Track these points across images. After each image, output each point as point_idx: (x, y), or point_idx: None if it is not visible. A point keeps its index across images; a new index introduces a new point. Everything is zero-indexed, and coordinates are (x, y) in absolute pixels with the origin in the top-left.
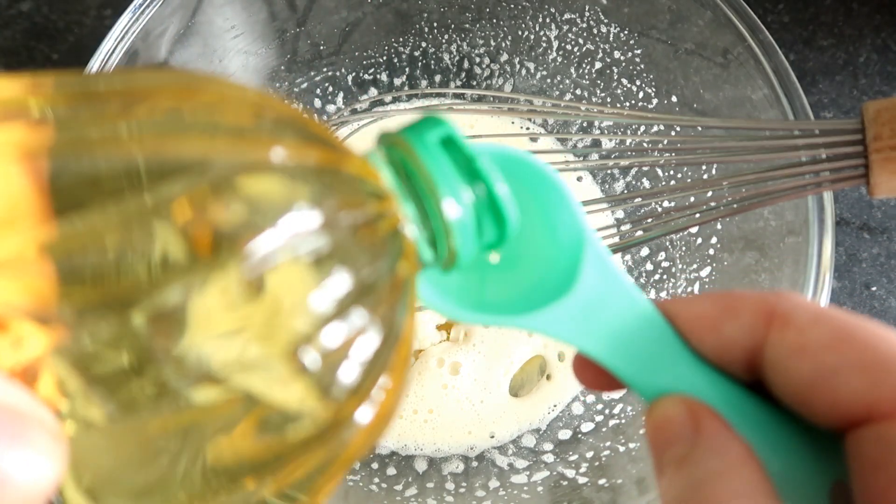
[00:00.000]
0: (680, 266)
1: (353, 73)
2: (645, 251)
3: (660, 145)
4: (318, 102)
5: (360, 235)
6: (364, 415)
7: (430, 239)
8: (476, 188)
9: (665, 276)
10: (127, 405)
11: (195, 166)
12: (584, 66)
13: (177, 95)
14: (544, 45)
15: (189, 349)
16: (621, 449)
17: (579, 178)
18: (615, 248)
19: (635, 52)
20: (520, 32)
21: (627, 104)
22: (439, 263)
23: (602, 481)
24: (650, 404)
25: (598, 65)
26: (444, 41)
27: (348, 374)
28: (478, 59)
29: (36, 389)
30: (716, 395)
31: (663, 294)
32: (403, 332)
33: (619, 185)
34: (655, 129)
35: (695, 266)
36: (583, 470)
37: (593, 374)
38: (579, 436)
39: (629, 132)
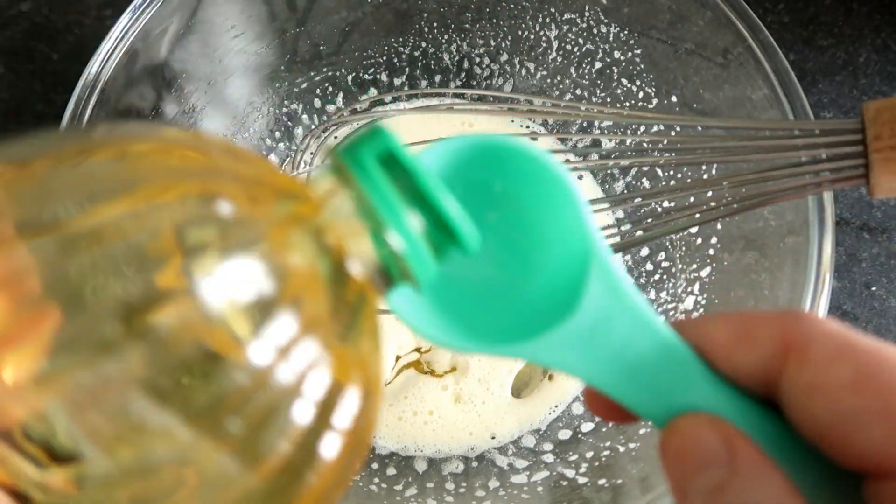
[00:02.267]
0: (680, 266)
1: (353, 73)
2: (645, 251)
3: (660, 145)
4: (317, 102)
5: (298, 272)
6: (329, 449)
7: (383, 262)
8: (422, 209)
9: (665, 276)
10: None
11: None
12: (584, 66)
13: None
14: (544, 45)
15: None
16: (621, 449)
17: (580, 177)
18: (615, 248)
19: (635, 52)
20: (520, 32)
21: (627, 104)
22: (399, 286)
23: (602, 481)
24: (665, 426)
25: (598, 65)
26: (443, 41)
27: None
28: (478, 59)
29: None
30: (739, 418)
31: (663, 294)
32: (370, 366)
33: (619, 185)
34: (655, 129)
35: (695, 266)
36: (583, 470)
37: (607, 406)
38: (579, 436)
39: (629, 132)
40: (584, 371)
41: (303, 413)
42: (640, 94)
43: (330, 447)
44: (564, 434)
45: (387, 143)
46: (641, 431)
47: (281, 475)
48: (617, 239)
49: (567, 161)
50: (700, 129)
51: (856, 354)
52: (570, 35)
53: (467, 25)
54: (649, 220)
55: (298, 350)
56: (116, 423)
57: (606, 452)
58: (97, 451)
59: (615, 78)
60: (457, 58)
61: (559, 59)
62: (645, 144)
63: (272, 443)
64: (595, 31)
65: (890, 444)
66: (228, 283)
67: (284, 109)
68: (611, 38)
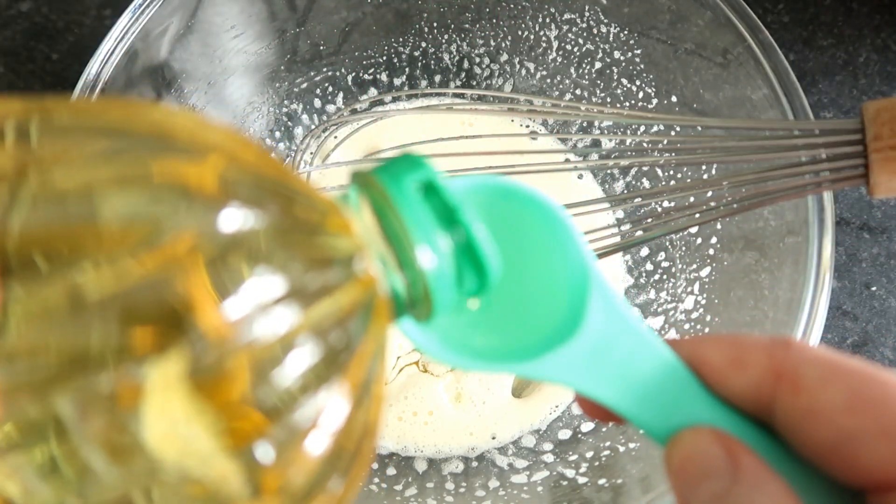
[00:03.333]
0: (680, 266)
1: (353, 73)
2: (645, 251)
3: (660, 145)
4: (318, 102)
5: (326, 298)
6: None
7: (406, 289)
8: (454, 235)
9: (665, 276)
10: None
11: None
12: (584, 66)
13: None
14: (544, 45)
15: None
16: (621, 449)
17: (580, 176)
18: (615, 248)
19: (635, 52)
20: (520, 32)
21: (627, 104)
22: (416, 314)
23: (602, 481)
24: (670, 440)
25: (598, 65)
26: (443, 41)
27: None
28: (478, 59)
29: None
30: (740, 433)
31: (663, 294)
32: (373, 391)
33: (619, 185)
34: (655, 129)
35: (695, 266)
36: (583, 470)
37: (600, 408)
38: (579, 436)
39: (629, 132)
40: (587, 388)
41: (317, 439)
42: (640, 94)
43: (340, 465)
44: (564, 434)
45: (426, 174)
46: (642, 431)
47: (285, 497)
48: (617, 239)
49: (567, 160)
50: (700, 129)
51: (847, 377)
52: (570, 35)
53: (467, 25)
54: (649, 220)
55: (324, 385)
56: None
57: (606, 452)
58: (99, 460)
59: (615, 78)
60: (457, 58)
61: (559, 59)
62: (645, 144)
63: (286, 464)
64: (595, 31)
65: (889, 461)
66: (255, 295)
67: (284, 109)
68: (611, 38)
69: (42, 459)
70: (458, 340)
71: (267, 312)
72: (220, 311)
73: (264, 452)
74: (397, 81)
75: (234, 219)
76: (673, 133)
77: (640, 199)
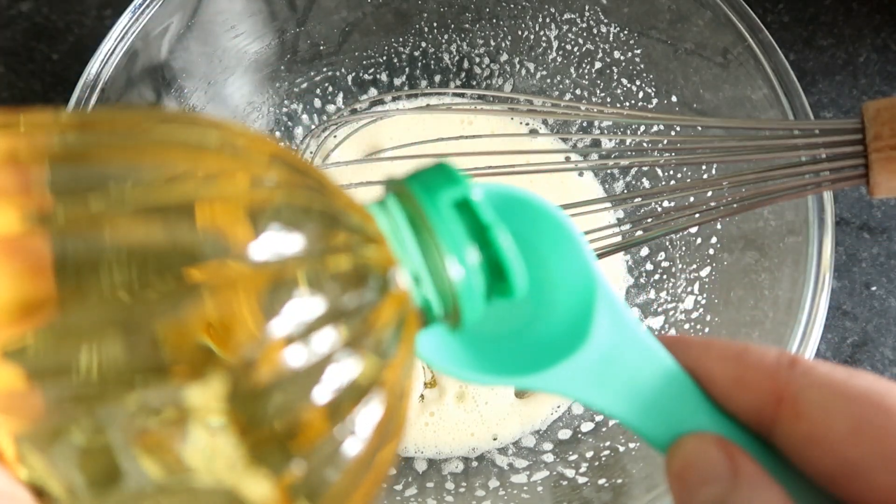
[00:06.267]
0: (680, 266)
1: (353, 73)
2: (645, 251)
3: (660, 145)
4: (317, 102)
5: (364, 314)
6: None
7: (436, 302)
8: (485, 251)
9: (665, 276)
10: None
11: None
12: (584, 66)
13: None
14: (544, 45)
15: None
16: (621, 449)
17: (580, 174)
18: (615, 248)
19: (635, 52)
20: (520, 32)
21: (627, 104)
22: (445, 323)
23: (602, 481)
24: (671, 445)
25: (598, 65)
26: (443, 41)
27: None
28: (478, 59)
29: (15, 472)
30: (741, 443)
31: (663, 294)
32: (404, 400)
33: (619, 185)
34: (655, 129)
35: (695, 266)
36: (583, 470)
37: None
38: (579, 436)
39: (629, 132)
40: (592, 399)
41: (352, 443)
42: (640, 94)
43: (372, 466)
44: (564, 434)
45: (462, 191)
46: (645, 441)
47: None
48: (617, 239)
49: (567, 159)
50: (700, 128)
51: (850, 404)
52: (570, 35)
53: (467, 25)
54: (649, 220)
55: (362, 399)
56: (169, 439)
57: (606, 452)
58: (135, 463)
59: (615, 78)
60: (457, 58)
61: (559, 59)
62: (645, 144)
63: (319, 467)
64: (595, 31)
65: (892, 491)
66: (297, 316)
67: (284, 109)
68: (611, 38)
69: (84, 460)
70: (464, 354)
71: (309, 332)
72: (265, 333)
73: (298, 468)
74: (397, 81)
75: (276, 241)
76: (673, 133)
77: (640, 199)
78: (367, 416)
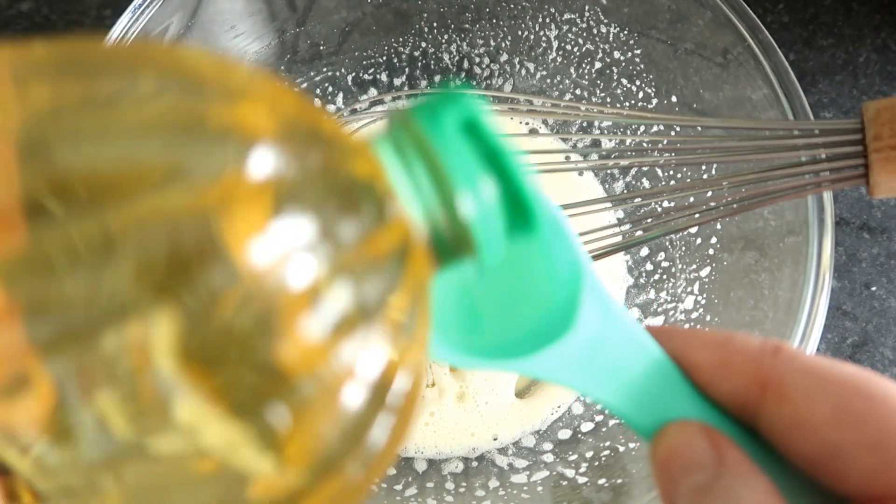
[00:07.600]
0: (680, 266)
1: (353, 73)
2: (645, 251)
3: (660, 145)
4: (317, 102)
5: (358, 243)
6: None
7: (447, 235)
8: (497, 178)
9: (665, 276)
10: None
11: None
12: (584, 66)
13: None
14: (544, 45)
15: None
16: (621, 449)
17: (580, 174)
18: (615, 249)
19: (635, 52)
20: (520, 32)
21: (627, 104)
22: (463, 259)
23: (602, 481)
24: (656, 433)
25: (598, 65)
26: (443, 41)
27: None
28: (478, 59)
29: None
30: (726, 431)
31: (663, 294)
32: (416, 336)
33: (619, 185)
34: (655, 129)
35: (695, 266)
36: (582, 470)
37: None
38: (579, 436)
39: (629, 132)
40: (580, 385)
41: (356, 401)
42: (640, 94)
43: (376, 436)
44: (564, 434)
45: (468, 110)
46: (631, 428)
47: (319, 469)
48: (617, 239)
49: (567, 158)
50: (700, 129)
51: (833, 389)
52: (569, 35)
53: (467, 25)
54: (649, 220)
55: (359, 336)
56: (139, 397)
57: (606, 452)
58: (101, 428)
59: (615, 78)
60: (457, 58)
61: (559, 59)
62: (645, 144)
63: (320, 432)
64: (595, 31)
65: (876, 474)
66: (286, 238)
67: None
68: (611, 38)
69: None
70: (453, 337)
71: (297, 256)
72: (250, 252)
73: (278, 413)
74: (397, 81)
75: (271, 160)
76: (673, 133)
77: (640, 199)
78: (364, 351)
